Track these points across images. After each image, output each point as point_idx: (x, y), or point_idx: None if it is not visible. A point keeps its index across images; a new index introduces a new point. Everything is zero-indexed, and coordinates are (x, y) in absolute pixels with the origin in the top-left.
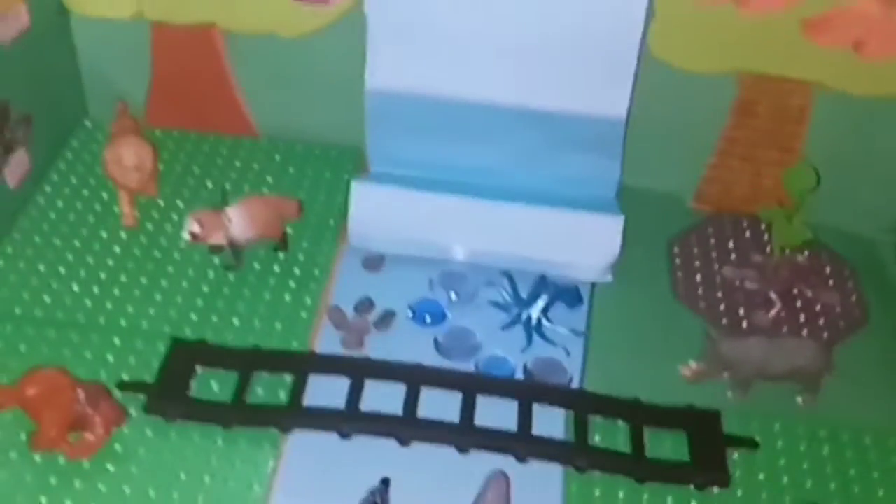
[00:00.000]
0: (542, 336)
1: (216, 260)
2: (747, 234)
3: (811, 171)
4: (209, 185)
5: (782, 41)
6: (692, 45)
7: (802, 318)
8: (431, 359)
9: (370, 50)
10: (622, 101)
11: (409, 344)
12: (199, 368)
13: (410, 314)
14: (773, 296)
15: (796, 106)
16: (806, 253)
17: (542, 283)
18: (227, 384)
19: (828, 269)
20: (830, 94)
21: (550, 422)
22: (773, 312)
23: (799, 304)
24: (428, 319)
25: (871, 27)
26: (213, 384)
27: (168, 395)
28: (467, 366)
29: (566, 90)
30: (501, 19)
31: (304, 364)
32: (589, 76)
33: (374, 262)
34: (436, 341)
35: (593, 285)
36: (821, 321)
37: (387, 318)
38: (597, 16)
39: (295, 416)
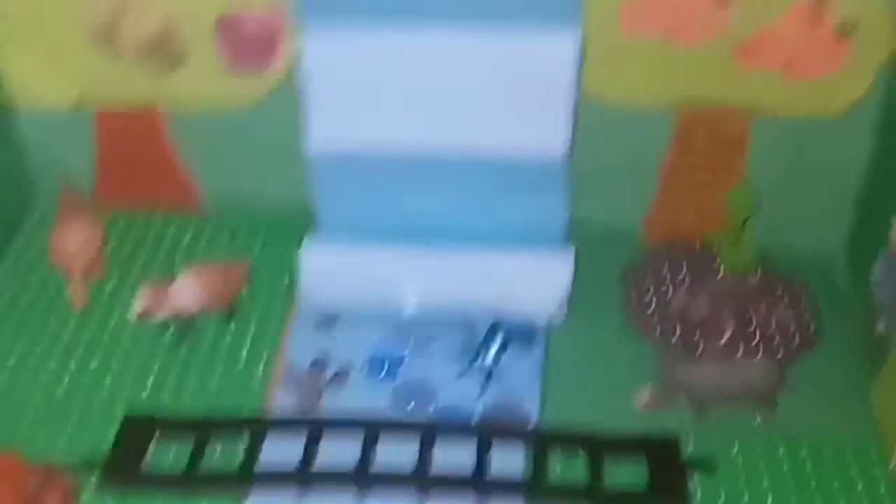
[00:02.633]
0: (499, 379)
1: (167, 334)
2: (698, 261)
3: (751, 193)
4: (159, 262)
5: (716, 69)
6: (627, 80)
7: (757, 338)
8: (388, 411)
9: (310, 112)
10: (562, 140)
11: (365, 398)
12: (153, 442)
13: (366, 368)
14: (725, 319)
15: (735, 131)
16: (758, 274)
17: (497, 326)
18: (181, 455)
19: (780, 289)
20: (767, 116)
21: (509, 461)
22: (727, 335)
23: (753, 325)
24: (383, 372)
25: (798, 47)
26: (167, 456)
27: (121, 470)
28: (424, 414)
29: (507, 134)
30: (436, 71)
31: (258, 427)
32: (527, 119)
33: (327, 321)
34: (391, 392)
35: (548, 323)
36: (776, 340)
37: (342, 374)
38: (530, 59)
39: (250, 479)
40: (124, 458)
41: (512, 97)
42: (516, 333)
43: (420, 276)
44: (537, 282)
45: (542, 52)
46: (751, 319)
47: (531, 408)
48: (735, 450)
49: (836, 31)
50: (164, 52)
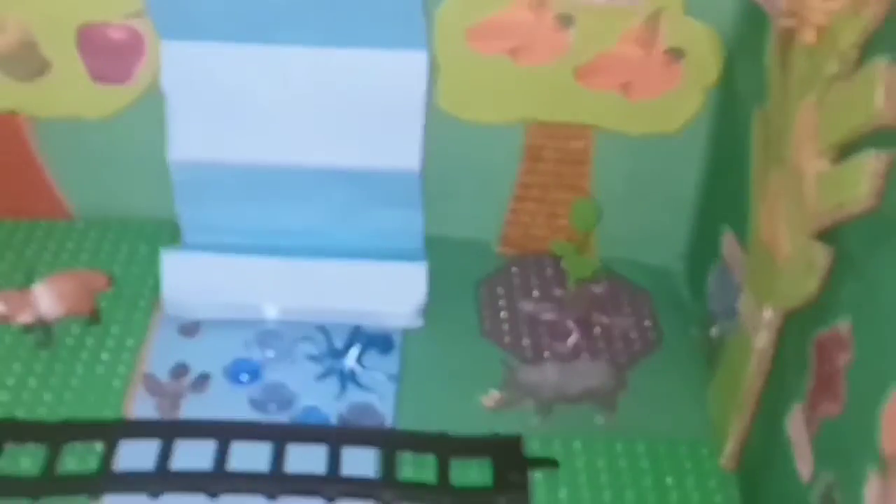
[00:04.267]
0: (357, 383)
1: (29, 339)
2: (548, 271)
3: (592, 205)
4: (22, 268)
5: (558, 89)
6: (476, 97)
7: (600, 343)
8: (247, 415)
9: (170, 123)
10: (414, 154)
11: (224, 404)
12: (6, 445)
13: (226, 375)
14: (571, 325)
15: (579, 148)
16: (602, 283)
17: (356, 334)
18: (36, 458)
19: (623, 297)
20: (608, 134)
21: (361, 462)
22: (571, 340)
23: (597, 330)
24: (244, 378)
25: (634, 70)
26: (21, 460)
27: None
28: (282, 418)
29: (362, 147)
30: (292, 84)
31: (114, 431)
32: (381, 132)
33: (189, 329)
34: (251, 398)
35: (405, 331)
36: (618, 345)
37: (202, 380)
38: (382, 74)
39: (104, 481)
40: None
41: (365, 113)
42: (374, 340)
43: (281, 285)
44: (394, 291)
45: (393, 69)
46: (594, 326)
47: (386, 411)
48: (576, 448)
49: (667, 54)
50: (27, 59)
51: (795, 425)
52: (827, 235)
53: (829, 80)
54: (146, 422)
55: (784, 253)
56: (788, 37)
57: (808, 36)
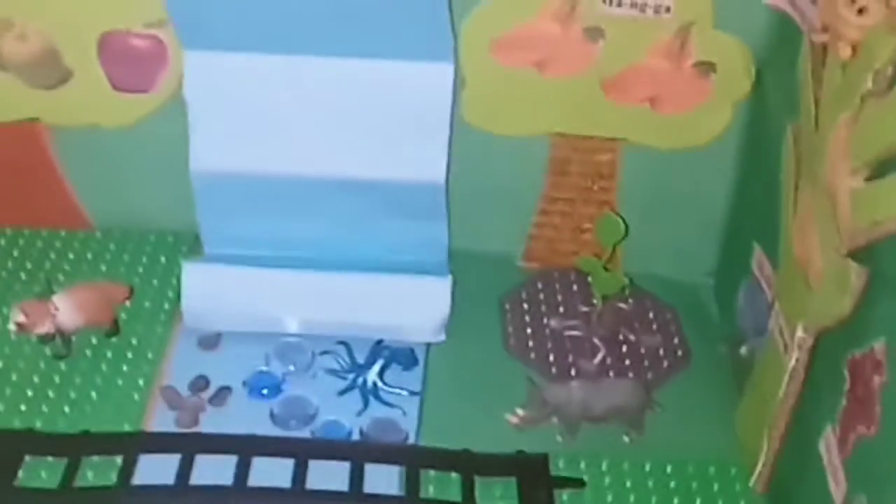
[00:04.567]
0: (379, 398)
1: (47, 350)
2: (574, 286)
3: (618, 220)
4: (42, 278)
5: (585, 102)
6: (502, 110)
7: (627, 361)
8: (268, 430)
9: (192, 133)
10: (439, 167)
11: (244, 417)
12: (26, 457)
13: (246, 388)
14: (597, 342)
15: (605, 162)
16: (629, 300)
17: (378, 348)
18: (55, 471)
19: (651, 314)
20: (635, 148)
21: (384, 479)
22: (598, 358)
23: (624, 348)
24: (264, 392)
25: (663, 84)
26: (41, 472)
27: None
28: (303, 433)
29: (386, 159)
30: (317, 95)
31: (134, 444)
32: (406, 144)
33: (209, 341)
34: (271, 412)
35: (428, 346)
36: (645, 363)
37: (222, 394)
38: (408, 86)
39: (123, 495)
40: None
41: (390, 124)
42: (397, 355)
43: (302, 297)
44: (418, 306)
45: (419, 81)
46: (622, 343)
47: (409, 427)
48: (603, 467)
49: (696, 68)
50: (49, 68)
51: (828, 447)
52: (861, 254)
53: (863, 96)
54: (167, 435)
55: (817, 271)
56: (821, 52)
57: (843, 52)
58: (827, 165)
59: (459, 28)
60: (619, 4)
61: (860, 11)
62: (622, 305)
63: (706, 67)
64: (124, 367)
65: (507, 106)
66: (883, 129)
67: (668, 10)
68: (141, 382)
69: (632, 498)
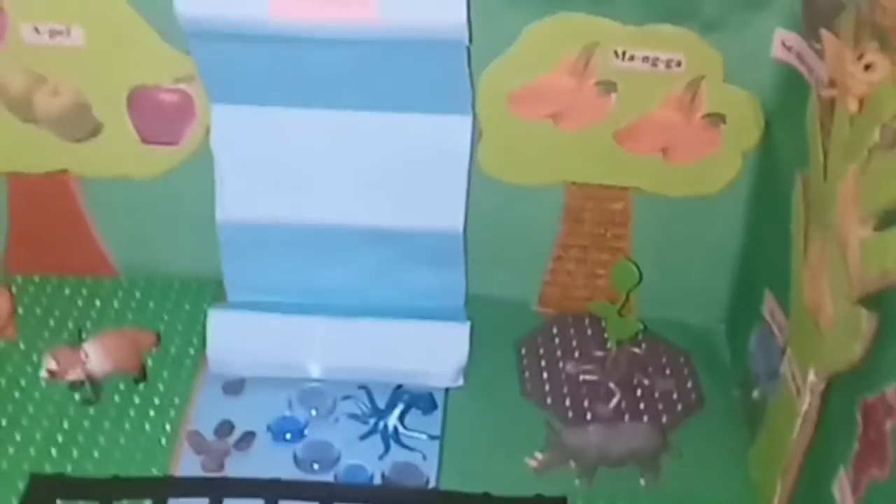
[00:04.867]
0: (400, 443)
1: (76, 396)
2: (588, 331)
3: (632, 267)
4: (70, 326)
5: (599, 152)
6: (518, 160)
7: (642, 405)
8: (291, 473)
9: (218, 183)
10: (458, 216)
11: (268, 462)
12: (58, 502)
13: (270, 433)
14: (612, 386)
15: (618, 210)
16: (643, 345)
17: (398, 393)
18: None
19: (664, 359)
20: (647, 196)
21: None
22: (613, 402)
23: (638, 392)
24: (287, 436)
25: (674, 135)
26: None
27: None
28: (327, 477)
29: (406, 208)
30: (340, 147)
31: (162, 489)
32: (425, 194)
33: (234, 387)
34: (295, 456)
35: (447, 390)
36: (659, 406)
37: (246, 438)
38: (427, 138)
39: None
40: None
41: (410, 174)
42: (417, 399)
43: (324, 343)
44: (436, 352)
45: (438, 133)
46: (636, 387)
47: (430, 471)
48: None
49: (706, 119)
50: (80, 121)
51: (842, 490)
52: (871, 300)
53: (871, 149)
54: (194, 480)
55: (827, 317)
56: (829, 105)
57: (851, 105)
58: (837, 215)
59: (477, 82)
60: (632, 59)
61: (867, 67)
62: (636, 350)
63: (716, 119)
64: (151, 413)
65: (523, 157)
66: (891, 181)
67: (679, 64)
68: (168, 427)
69: None
